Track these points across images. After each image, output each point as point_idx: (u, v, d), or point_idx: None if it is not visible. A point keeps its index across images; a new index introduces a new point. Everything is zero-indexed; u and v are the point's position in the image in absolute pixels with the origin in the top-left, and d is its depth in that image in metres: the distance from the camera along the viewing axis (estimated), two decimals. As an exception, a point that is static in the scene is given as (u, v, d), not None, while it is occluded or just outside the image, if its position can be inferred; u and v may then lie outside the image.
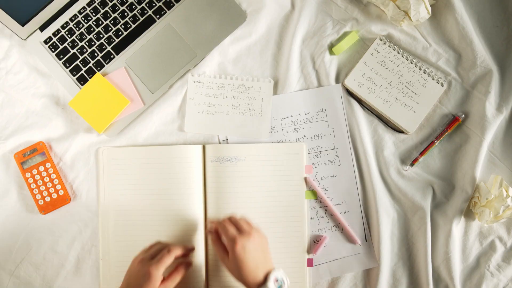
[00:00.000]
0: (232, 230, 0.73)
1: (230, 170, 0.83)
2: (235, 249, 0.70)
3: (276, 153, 0.84)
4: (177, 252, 0.74)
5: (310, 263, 0.83)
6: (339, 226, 0.84)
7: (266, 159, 0.84)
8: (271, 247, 0.74)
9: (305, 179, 0.84)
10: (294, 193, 0.83)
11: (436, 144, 0.84)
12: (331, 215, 0.84)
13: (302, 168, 0.84)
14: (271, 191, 0.83)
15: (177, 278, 0.74)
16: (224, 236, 0.73)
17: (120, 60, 0.86)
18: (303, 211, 0.83)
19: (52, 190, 0.83)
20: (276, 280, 0.69)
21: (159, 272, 0.70)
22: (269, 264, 0.72)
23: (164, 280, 0.72)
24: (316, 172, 0.85)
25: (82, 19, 0.86)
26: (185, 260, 0.78)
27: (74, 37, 0.86)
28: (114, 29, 0.86)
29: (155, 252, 0.73)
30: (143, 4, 0.87)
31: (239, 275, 0.70)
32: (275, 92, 0.87)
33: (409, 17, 0.81)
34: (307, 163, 0.85)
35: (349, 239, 0.83)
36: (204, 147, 0.84)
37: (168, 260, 0.72)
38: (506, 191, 0.78)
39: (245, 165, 0.83)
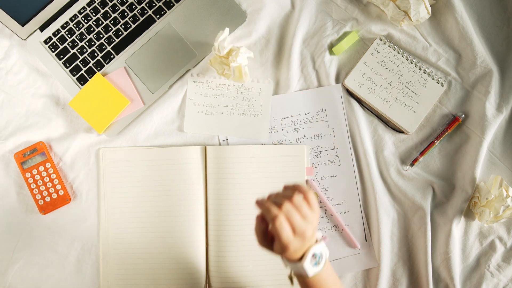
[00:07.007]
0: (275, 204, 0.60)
1: (231, 172, 0.83)
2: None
3: (277, 155, 0.84)
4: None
5: None
6: (338, 226, 0.84)
7: (267, 161, 0.84)
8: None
9: (306, 181, 0.84)
10: None
11: (436, 144, 0.84)
12: (331, 215, 0.84)
13: (303, 170, 0.84)
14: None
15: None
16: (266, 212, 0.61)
17: (120, 60, 0.86)
18: None
19: (52, 190, 0.83)
20: (314, 256, 0.61)
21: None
22: (311, 239, 0.62)
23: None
24: (316, 172, 0.85)
25: (82, 19, 0.86)
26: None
27: (74, 37, 0.86)
28: (114, 29, 0.86)
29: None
30: (143, 4, 0.86)
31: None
32: (275, 92, 0.87)
33: (409, 17, 0.81)
34: (308, 165, 0.85)
35: (349, 243, 0.83)
36: (205, 149, 0.84)
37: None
38: (506, 191, 0.78)
39: (246, 167, 0.83)
